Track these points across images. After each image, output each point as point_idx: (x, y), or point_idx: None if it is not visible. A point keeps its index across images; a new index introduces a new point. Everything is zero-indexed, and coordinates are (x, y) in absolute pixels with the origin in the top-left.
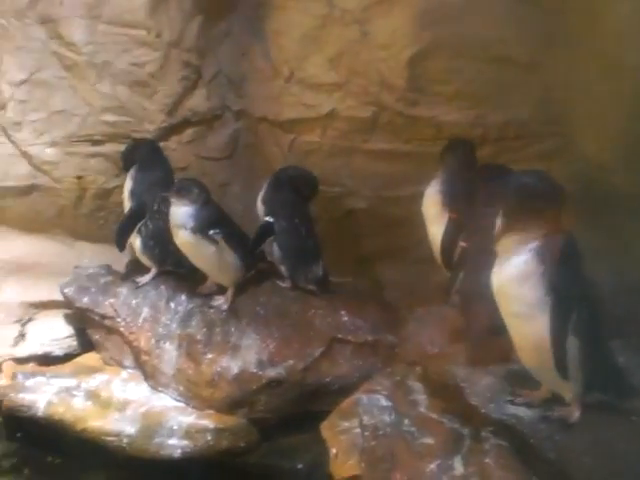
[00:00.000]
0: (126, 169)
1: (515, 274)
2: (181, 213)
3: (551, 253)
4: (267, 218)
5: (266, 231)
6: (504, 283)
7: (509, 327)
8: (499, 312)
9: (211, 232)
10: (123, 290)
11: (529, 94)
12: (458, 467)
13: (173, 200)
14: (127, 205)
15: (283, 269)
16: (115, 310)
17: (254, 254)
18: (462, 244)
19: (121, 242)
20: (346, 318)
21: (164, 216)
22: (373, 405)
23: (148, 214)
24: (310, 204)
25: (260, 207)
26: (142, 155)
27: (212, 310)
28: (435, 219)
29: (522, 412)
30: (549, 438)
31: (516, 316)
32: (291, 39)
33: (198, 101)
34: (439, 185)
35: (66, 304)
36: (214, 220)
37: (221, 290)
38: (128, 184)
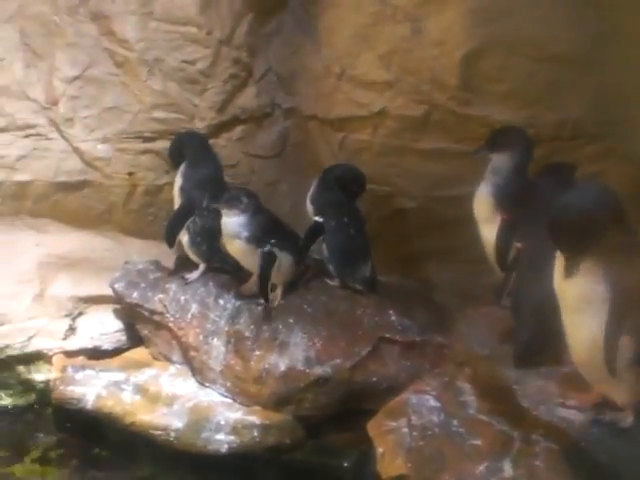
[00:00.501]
0: (175, 165)
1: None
2: (233, 223)
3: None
4: (316, 218)
5: (316, 231)
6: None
7: (565, 324)
8: (553, 312)
9: (267, 248)
10: (172, 286)
11: (583, 94)
12: (507, 469)
13: (224, 211)
14: (177, 202)
15: (331, 268)
16: (164, 306)
17: (305, 254)
18: (517, 245)
19: (171, 238)
20: (394, 318)
21: (212, 213)
22: (422, 405)
23: (197, 211)
24: (359, 203)
25: (309, 207)
26: (192, 151)
27: (260, 307)
28: (487, 220)
29: (573, 415)
30: (600, 442)
31: (574, 312)
32: (342, 37)
33: (248, 99)
34: (490, 186)
35: (116, 299)
36: (267, 228)
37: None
38: (178, 181)
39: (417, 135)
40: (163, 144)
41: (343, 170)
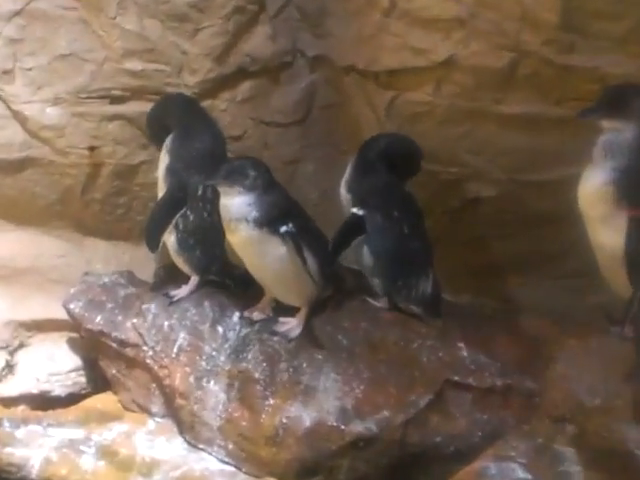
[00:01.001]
0: (157, 138)
1: None
2: (236, 204)
3: None
4: (355, 210)
5: (354, 229)
6: None
7: None
8: None
9: (284, 228)
10: (151, 307)
11: None
12: None
13: (223, 189)
14: (161, 188)
15: (377, 282)
16: (140, 335)
17: (336, 260)
18: None
19: (153, 239)
20: (465, 353)
21: (210, 205)
22: (505, 477)
23: (189, 202)
24: (414, 190)
25: (345, 195)
26: (181, 118)
27: (276, 338)
28: (602, 219)
29: None
30: None
31: None
32: None
33: (259, 43)
34: (605, 169)
35: (72, 325)
36: (283, 209)
37: (282, 310)
38: (163, 159)
39: (499, 94)
40: (139, 107)
41: (392, 142)
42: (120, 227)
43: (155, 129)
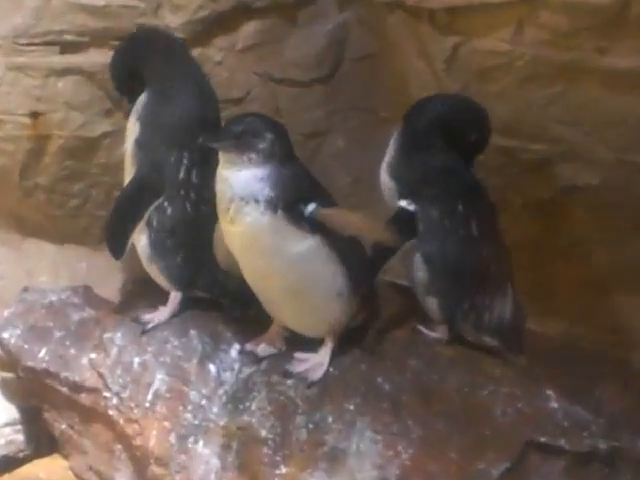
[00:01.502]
0: (127, 98)
1: None
2: (244, 178)
3: None
4: (402, 203)
5: (400, 229)
6: None
7: None
8: None
9: (310, 208)
10: (116, 336)
11: None
12: None
13: (228, 156)
14: (129, 169)
15: (433, 304)
16: (100, 375)
17: (377, 273)
18: None
19: (117, 241)
20: (555, 404)
21: (195, 192)
22: None
23: (167, 189)
24: (484, 175)
25: (387, 182)
26: (159, 69)
27: (290, 382)
28: None
29: None
30: None
31: None
32: None
33: None
34: None
35: (5, 361)
36: (307, 188)
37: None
38: (132, 128)
39: (603, 42)
40: (100, 58)
41: (452, 106)
42: (74, 225)
43: (121, 83)
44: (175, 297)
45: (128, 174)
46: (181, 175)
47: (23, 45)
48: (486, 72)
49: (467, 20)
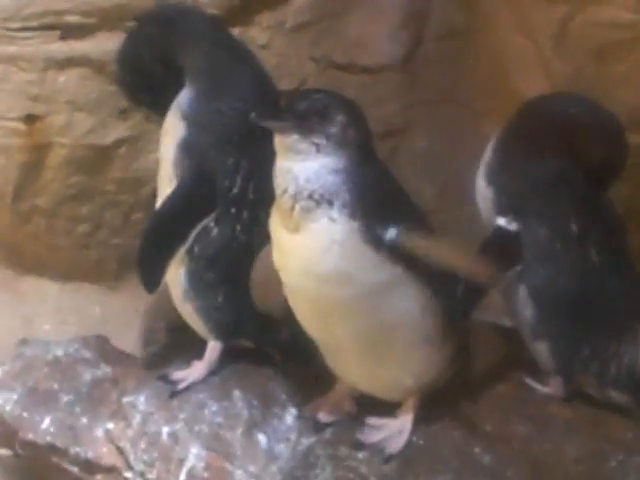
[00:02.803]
0: (151, 91)
1: None
2: (313, 169)
3: None
4: (500, 221)
5: (500, 254)
6: None
7: None
8: None
9: (392, 233)
10: (139, 400)
11: None
12: None
13: (285, 139)
14: (168, 181)
15: (542, 350)
16: (120, 450)
17: (472, 310)
18: None
19: (153, 269)
20: None
21: (250, 211)
22: None
23: (219, 206)
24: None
25: (484, 191)
26: (205, 57)
27: (362, 454)
28: None
29: None
30: None
31: None
32: None
33: None
34: None
35: None
36: (390, 201)
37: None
38: (174, 128)
39: None
40: (111, 45)
41: (572, 106)
42: (83, 258)
43: (140, 81)
44: (214, 348)
45: (166, 187)
46: (235, 189)
47: (14, 30)
48: (606, 50)
49: None
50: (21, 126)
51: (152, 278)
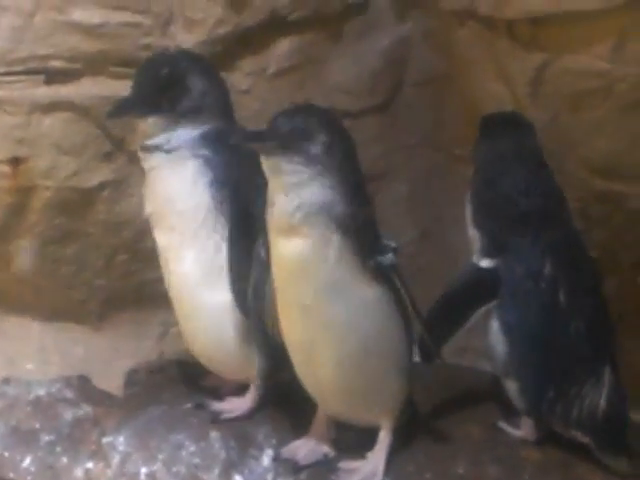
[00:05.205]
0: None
1: None
2: (295, 189)
3: None
4: (477, 260)
5: (474, 290)
6: None
7: None
8: None
9: (388, 258)
10: (118, 441)
11: None
12: None
13: (269, 159)
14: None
15: (513, 389)
16: None
17: (440, 347)
18: None
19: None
20: None
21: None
22: None
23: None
24: (582, 225)
25: (471, 232)
26: (212, 97)
27: None
28: None
29: None
30: None
31: None
32: None
33: None
34: None
35: None
36: (372, 226)
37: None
38: (199, 170)
39: None
40: (96, 89)
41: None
42: (66, 298)
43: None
44: (257, 388)
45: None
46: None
47: (2, 74)
48: (580, 98)
49: (555, 33)
50: (6, 168)
51: (245, 306)
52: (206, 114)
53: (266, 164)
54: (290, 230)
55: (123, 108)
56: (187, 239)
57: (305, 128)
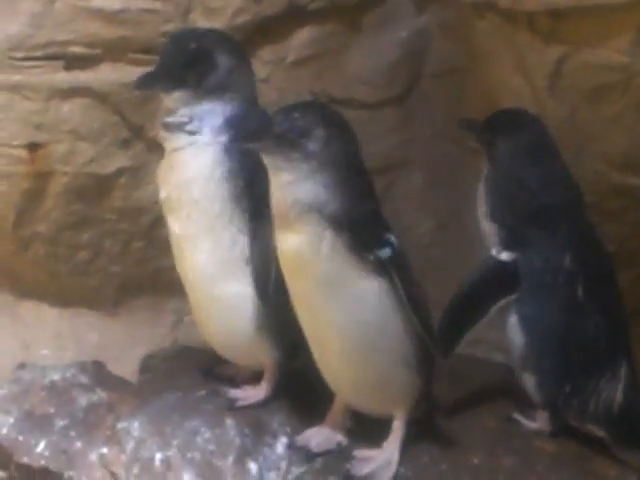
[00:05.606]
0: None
1: None
2: (294, 185)
3: None
4: (497, 254)
5: (495, 283)
6: None
7: None
8: None
9: (386, 251)
10: (133, 426)
11: None
12: None
13: (268, 157)
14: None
15: (530, 382)
16: (113, 475)
17: (457, 341)
18: None
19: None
20: None
21: None
22: None
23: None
24: (598, 221)
25: (486, 225)
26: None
27: None
28: None
29: None
30: None
31: None
32: None
33: None
34: None
35: None
36: (378, 215)
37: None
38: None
39: None
40: (115, 75)
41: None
42: (82, 284)
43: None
44: (271, 371)
45: None
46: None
47: (19, 59)
48: (599, 91)
49: (575, 26)
50: (24, 154)
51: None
52: (231, 92)
53: (266, 161)
54: (287, 226)
55: (149, 80)
56: (203, 229)
57: (302, 125)
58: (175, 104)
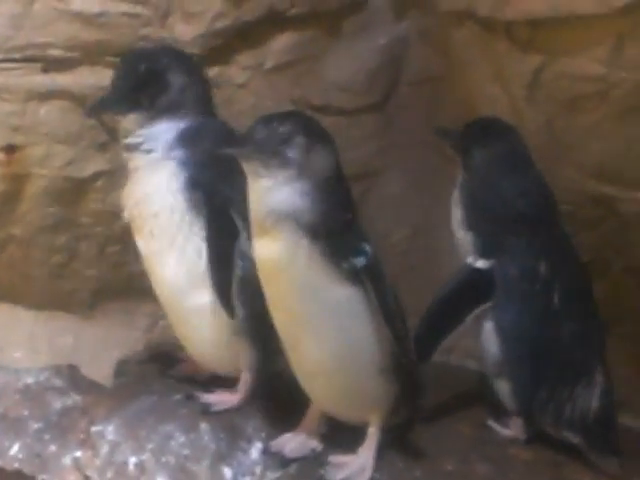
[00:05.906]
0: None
1: None
2: (272, 193)
3: None
4: (473, 261)
5: (471, 291)
6: None
7: None
8: None
9: (360, 260)
10: (107, 430)
11: None
12: None
13: (248, 164)
14: None
15: (504, 389)
16: (86, 478)
17: (433, 348)
18: None
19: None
20: None
21: None
22: None
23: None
24: (574, 229)
25: (461, 235)
26: (184, 92)
27: None
28: None
29: None
30: None
31: None
32: None
33: None
34: None
35: None
36: (354, 224)
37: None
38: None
39: None
40: (92, 78)
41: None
42: (57, 288)
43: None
44: (247, 378)
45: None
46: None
47: None
48: (576, 101)
49: (553, 36)
50: (1, 156)
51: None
52: (185, 110)
53: (245, 168)
54: (264, 233)
55: (102, 105)
56: (166, 243)
57: (282, 132)
58: (131, 125)
